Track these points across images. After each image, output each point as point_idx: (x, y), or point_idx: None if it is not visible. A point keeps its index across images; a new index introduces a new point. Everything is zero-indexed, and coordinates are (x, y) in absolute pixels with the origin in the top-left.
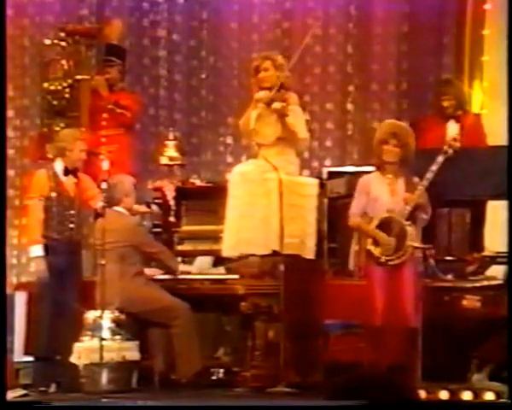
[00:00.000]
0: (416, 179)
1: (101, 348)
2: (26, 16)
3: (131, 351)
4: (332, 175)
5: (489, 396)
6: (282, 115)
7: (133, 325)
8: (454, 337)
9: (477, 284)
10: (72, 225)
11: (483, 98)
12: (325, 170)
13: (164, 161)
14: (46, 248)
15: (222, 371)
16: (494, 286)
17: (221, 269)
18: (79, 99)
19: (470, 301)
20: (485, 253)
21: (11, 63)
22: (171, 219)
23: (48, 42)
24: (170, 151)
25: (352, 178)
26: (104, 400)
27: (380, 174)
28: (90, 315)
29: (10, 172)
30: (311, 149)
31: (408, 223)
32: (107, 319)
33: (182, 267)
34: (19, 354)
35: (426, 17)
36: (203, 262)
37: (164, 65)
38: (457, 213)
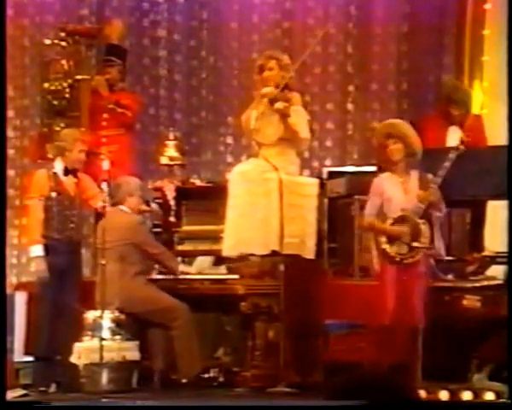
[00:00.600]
0: (429, 176)
1: (101, 348)
2: (26, 16)
3: (131, 351)
4: (332, 175)
5: (489, 396)
6: (283, 116)
7: (133, 325)
8: (454, 337)
9: (477, 284)
10: (72, 225)
11: (483, 98)
12: (325, 170)
13: (164, 160)
14: (46, 248)
15: (222, 371)
16: (494, 286)
17: (221, 269)
18: (79, 99)
19: (470, 301)
20: (486, 253)
21: (11, 63)
22: (172, 219)
23: (48, 42)
24: (170, 151)
25: (353, 178)
26: (104, 400)
27: (391, 174)
28: (90, 315)
29: (10, 172)
30: (312, 149)
31: (422, 221)
32: (107, 318)
33: (182, 267)
34: (19, 354)
35: (426, 17)
36: (203, 262)
37: (164, 65)
38: (457, 213)
